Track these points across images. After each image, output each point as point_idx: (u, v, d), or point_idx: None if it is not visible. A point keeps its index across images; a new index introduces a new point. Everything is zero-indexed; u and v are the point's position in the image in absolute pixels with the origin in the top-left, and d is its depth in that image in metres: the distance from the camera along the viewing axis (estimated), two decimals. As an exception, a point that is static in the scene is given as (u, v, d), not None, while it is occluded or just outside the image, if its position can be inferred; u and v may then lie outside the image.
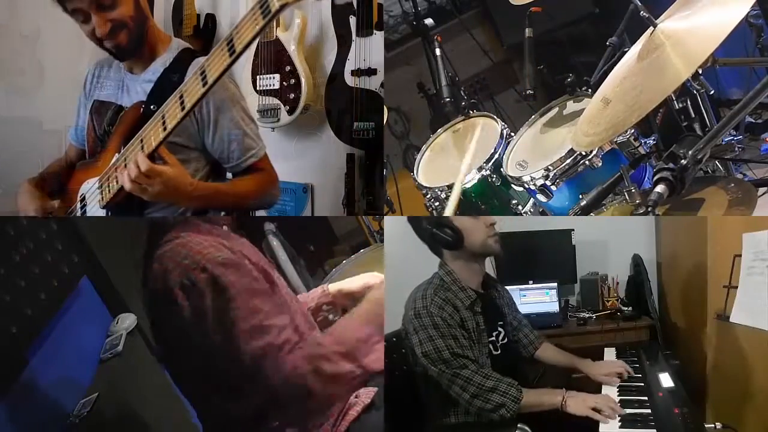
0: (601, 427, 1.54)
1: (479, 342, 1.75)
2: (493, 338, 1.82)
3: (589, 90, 2.16)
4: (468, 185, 2.29)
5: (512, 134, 2.35)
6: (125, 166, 1.61)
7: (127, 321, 2.57)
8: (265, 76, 2.83)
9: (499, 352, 1.81)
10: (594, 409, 1.58)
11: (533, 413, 1.67)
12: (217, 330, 1.31)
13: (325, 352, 1.32)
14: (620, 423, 1.54)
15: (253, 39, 1.40)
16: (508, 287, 2.10)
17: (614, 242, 3.00)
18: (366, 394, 1.61)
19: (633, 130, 2.04)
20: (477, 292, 1.79)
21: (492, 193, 2.31)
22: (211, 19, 3.13)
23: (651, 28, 1.66)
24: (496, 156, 2.29)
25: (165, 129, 1.56)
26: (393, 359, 1.86)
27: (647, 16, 1.67)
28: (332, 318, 1.79)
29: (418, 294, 1.78)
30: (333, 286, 1.79)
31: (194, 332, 1.34)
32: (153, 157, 1.59)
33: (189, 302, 1.31)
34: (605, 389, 1.81)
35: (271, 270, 1.47)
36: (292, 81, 2.78)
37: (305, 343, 1.36)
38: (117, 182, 1.65)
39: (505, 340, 1.86)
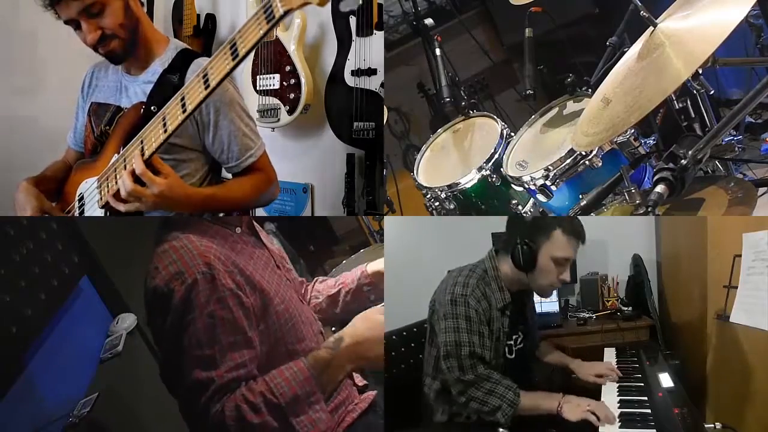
0: (601, 426, 1.54)
1: (499, 342, 1.76)
2: (512, 342, 1.82)
3: (589, 90, 2.16)
4: (468, 185, 2.29)
5: (512, 134, 2.35)
6: (124, 167, 1.61)
7: (127, 321, 2.57)
8: (265, 76, 2.84)
9: (513, 356, 1.81)
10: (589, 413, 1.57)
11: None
12: (171, 346, 1.34)
13: (254, 400, 1.29)
14: (620, 423, 1.54)
15: (257, 43, 1.39)
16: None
17: (614, 242, 3.00)
18: (364, 400, 1.61)
19: (633, 130, 2.04)
20: (511, 294, 1.79)
21: (492, 193, 2.31)
22: (211, 19, 3.13)
23: (651, 28, 1.66)
24: (496, 156, 2.29)
25: (165, 131, 1.55)
26: (393, 357, 1.86)
27: (647, 16, 1.66)
28: (373, 299, 1.79)
29: (459, 279, 1.75)
30: (371, 267, 1.79)
31: (158, 338, 1.39)
32: (149, 165, 1.59)
33: (163, 309, 1.33)
34: (605, 389, 1.81)
35: (268, 286, 1.46)
36: (292, 81, 2.78)
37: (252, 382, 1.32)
38: (116, 182, 1.64)
39: (522, 344, 1.86)
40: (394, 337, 1.87)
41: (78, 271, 2.52)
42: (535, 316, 2.09)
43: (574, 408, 1.60)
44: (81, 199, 1.80)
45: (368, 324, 1.43)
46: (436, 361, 1.77)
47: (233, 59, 1.42)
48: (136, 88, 1.80)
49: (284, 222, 3.19)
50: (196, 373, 1.29)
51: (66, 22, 1.67)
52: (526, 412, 1.64)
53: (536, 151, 2.20)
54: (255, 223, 1.65)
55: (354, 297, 1.79)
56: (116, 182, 1.64)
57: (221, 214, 1.80)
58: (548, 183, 2.03)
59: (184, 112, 1.51)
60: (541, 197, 2.08)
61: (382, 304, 1.61)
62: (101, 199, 1.72)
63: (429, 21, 3.02)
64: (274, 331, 1.44)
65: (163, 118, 1.56)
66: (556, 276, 1.74)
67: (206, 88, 1.47)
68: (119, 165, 1.65)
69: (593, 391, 1.83)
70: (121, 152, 1.67)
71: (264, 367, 1.38)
